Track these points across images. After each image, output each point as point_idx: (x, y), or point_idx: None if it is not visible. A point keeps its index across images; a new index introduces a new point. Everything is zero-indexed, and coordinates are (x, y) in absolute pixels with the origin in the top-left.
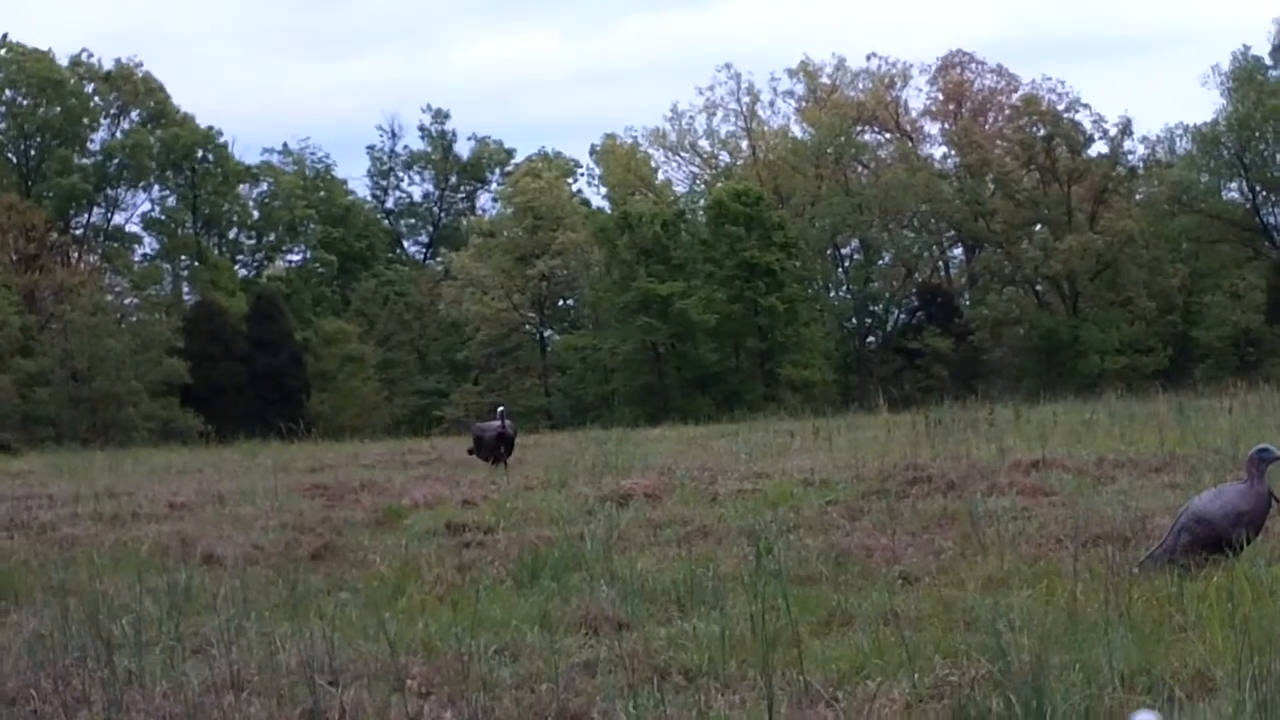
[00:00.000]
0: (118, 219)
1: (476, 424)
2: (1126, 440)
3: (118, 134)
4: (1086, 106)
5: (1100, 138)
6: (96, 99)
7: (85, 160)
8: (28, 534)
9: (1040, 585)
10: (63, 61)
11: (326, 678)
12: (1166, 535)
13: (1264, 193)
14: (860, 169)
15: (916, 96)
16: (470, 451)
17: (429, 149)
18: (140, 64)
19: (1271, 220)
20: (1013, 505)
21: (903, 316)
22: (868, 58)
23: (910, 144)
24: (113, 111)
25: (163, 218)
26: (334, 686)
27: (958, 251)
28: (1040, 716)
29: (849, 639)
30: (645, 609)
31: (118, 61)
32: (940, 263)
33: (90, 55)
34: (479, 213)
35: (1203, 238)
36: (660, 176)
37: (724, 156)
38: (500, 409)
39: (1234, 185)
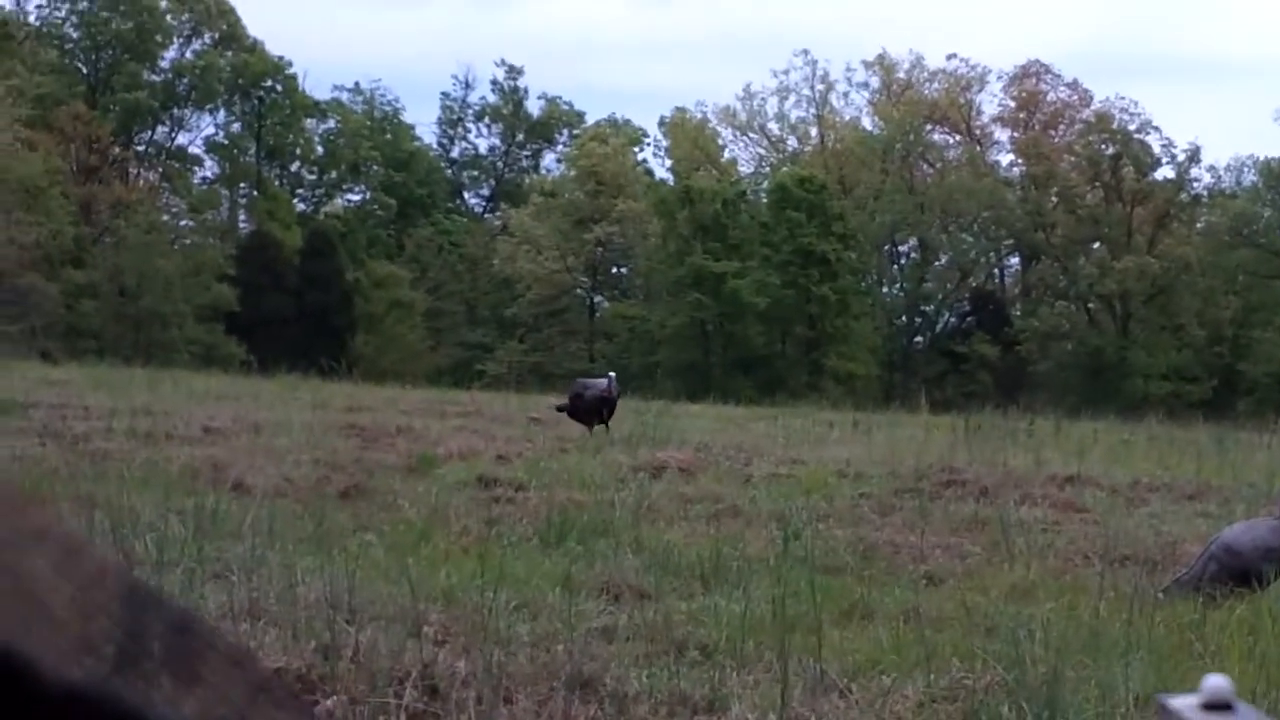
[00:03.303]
0: (181, 139)
1: (580, 380)
2: (1163, 465)
3: (188, 54)
4: (1157, 129)
5: (1168, 162)
6: (169, 17)
7: (154, 77)
8: (61, 443)
9: (1064, 599)
10: None
11: (344, 615)
12: (1195, 563)
13: None
14: (926, 168)
15: (990, 102)
16: (559, 409)
17: (500, 103)
18: None
19: None
20: (1044, 517)
21: (953, 320)
22: (947, 58)
23: (979, 149)
24: (185, 31)
25: (225, 143)
26: (351, 625)
27: (1014, 260)
28: None
29: (868, 632)
30: (668, 582)
31: None
32: (996, 270)
33: None
34: (542, 172)
35: (1259, 272)
36: (726, 155)
37: (792, 141)
38: (611, 374)
39: None
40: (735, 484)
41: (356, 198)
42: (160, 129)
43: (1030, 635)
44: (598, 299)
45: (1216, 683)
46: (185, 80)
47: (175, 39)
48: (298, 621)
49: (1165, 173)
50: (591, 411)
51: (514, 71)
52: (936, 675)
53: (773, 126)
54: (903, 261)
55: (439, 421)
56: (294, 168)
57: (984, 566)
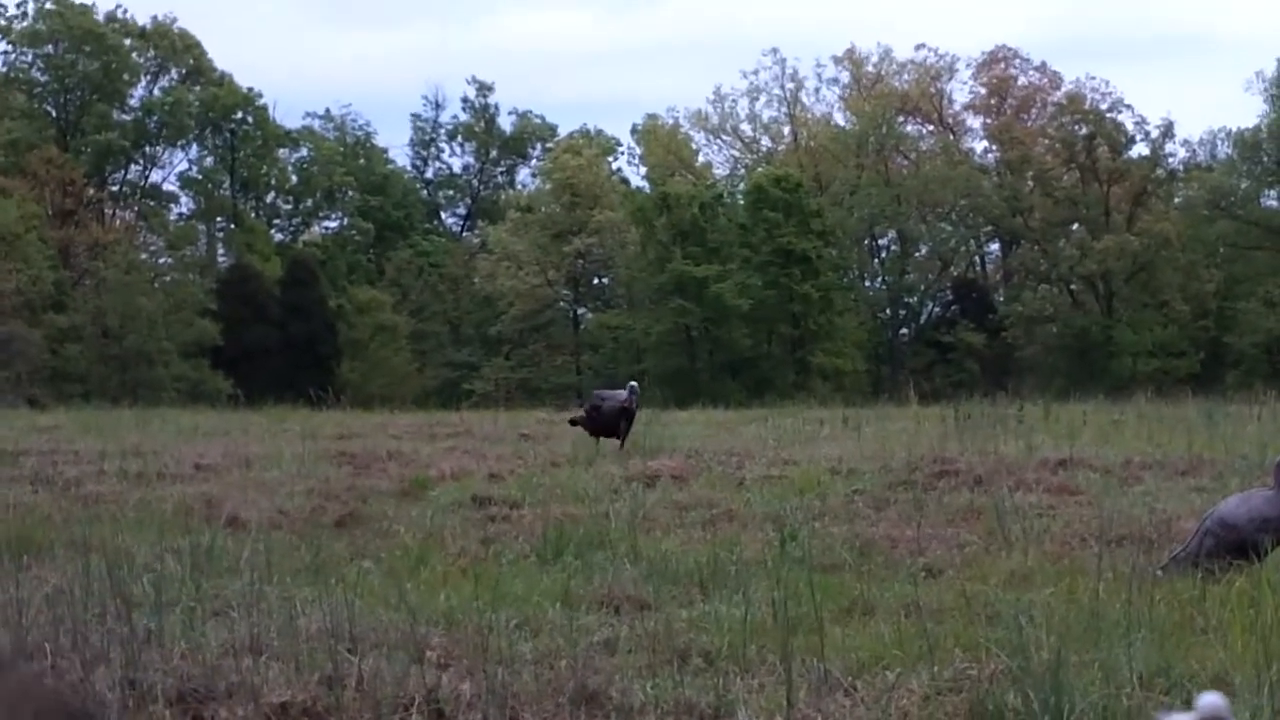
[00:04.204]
0: (155, 177)
1: (597, 392)
2: (1154, 442)
3: (157, 91)
4: (1129, 107)
5: (1141, 139)
6: (135, 55)
7: (124, 116)
8: (52, 489)
9: (1063, 583)
10: (99, 17)
11: (346, 645)
12: (1191, 538)
13: None
14: (901, 160)
15: (960, 90)
16: (574, 422)
17: (472, 121)
18: (175, 20)
19: None
20: (1039, 502)
21: (936, 310)
22: (915, 48)
23: (952, 137)
24: (152, 69)
25: (200, 178)
26: (353, 654)
27: (994, 247)
28: (1058, 713)
29: (870, 628)
30: (668, 590)
31: (154, 18)
32: (976, 258)
33: (125, 11)
34: (518, 187)
35: (1239, 243)
36: (700, 159)
37: (765, 141)
38: (632, 384)
39: (1273, 192)
40: (729, 488)
41: (333, 224)
42: (133, 168)
43: (1032, 621)
44: (581, 311)
45: (1211, 700)
46: (155, 117)
47: (143, 77)
48: (300, 654)
49: (1140, 150)
50: (610, 424)
51: (484, 89)
52: (940, 667)
53: (745, 128)
54: (883, 255)
55: (429, 444)
56: (269, 198)
57: (981, 555)
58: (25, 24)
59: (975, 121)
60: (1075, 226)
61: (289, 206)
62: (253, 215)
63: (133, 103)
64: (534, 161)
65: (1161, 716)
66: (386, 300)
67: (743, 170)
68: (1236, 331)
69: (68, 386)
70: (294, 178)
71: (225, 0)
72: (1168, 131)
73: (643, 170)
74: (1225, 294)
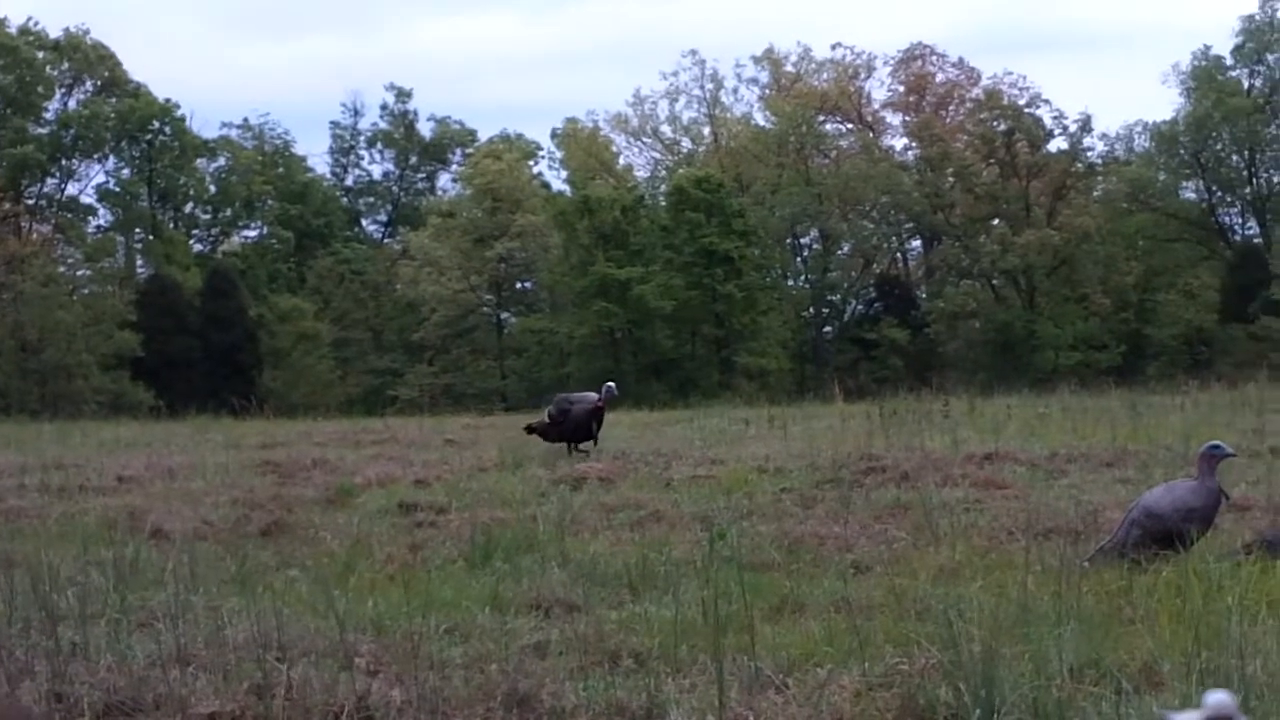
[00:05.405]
0: (72, 190)
1: (562, 396)
2: (1079, 435)
3: (72, 104)
4: (1047, 102)
5: (1060, 134)
6: (49, 68)
7: (40, 130)
8: None
9: (991, 576)
10: (12, 30)
11: (274, 654)
12: (1117, 529)
13: (1219, 193)
14: (821, 159)
15: (879, 88)
16: (531, 429)
17: (391, 128)
18: (88, 31)
19: (1226, 220)
20: (965, 497)
21: (860, 307)
22: (833, 47)
23: (872, 135)
24: (66, 81)
25: (117, 190)
26: (282, 663)
27: (916, 244)
28: (989, 706)
29: (801, 626)
30: (597, 592)
31: (66, 30)
32: (898, 254)
33: (37, 24)
34: (439, 193)
35: (1158, 236)
36: (621, 161)
37: (686, 143)
38: (609, 384)
39: (1191, 185)
40: (656, 489)
41: (253, 234)
42: (50, 181)
43: (961, 615)
44: (504, 315)
45: (1219, 698)
46: (72, 130)
47: (58, 89)
48: (228, 664)
49: (1059, 144)
50: (580, 428)
51: (403, 95)
52: (871, 663)
53: (665, 129)
54: (806, 253)
55: (354, 451)
56: (188, 208)
57: (910, 551)
58: None
59: (895, 119)
60: (996, 222)
61: (208, 216)
62: (171, 226)
63: (48, 116)
64: (454, 167)
65: (1168, 715)
66: (308, 308)
67: (664, 172)
68: (1157, 324)
69: None
70: (212, 188)
71: (139, 11)
72: (1086, 125)
73: (564, 174)
74: (1145, 286)
